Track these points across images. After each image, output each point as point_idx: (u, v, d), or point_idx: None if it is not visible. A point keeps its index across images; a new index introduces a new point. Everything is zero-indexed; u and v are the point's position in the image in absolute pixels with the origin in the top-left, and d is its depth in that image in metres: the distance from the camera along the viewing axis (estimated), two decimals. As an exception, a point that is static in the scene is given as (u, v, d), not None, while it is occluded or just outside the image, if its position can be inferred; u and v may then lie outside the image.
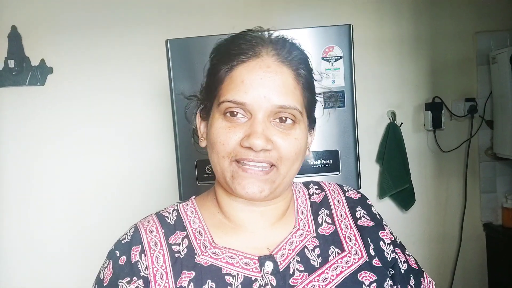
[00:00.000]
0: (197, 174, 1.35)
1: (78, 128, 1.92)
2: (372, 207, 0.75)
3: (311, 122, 0.69)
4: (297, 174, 0.72)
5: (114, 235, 0.70)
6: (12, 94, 1.93)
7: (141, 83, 1.91)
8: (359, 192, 0.77)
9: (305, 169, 1.31)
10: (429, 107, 1.92)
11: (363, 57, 1.81)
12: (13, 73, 1.90)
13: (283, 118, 0.62)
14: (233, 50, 0.63)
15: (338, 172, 1.34)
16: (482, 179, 1.97)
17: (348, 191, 0.76)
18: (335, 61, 1.31)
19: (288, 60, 0.63)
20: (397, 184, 1.86)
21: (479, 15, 1.93)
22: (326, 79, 1.32)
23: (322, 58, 1.31)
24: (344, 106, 1.32)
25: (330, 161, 1.32)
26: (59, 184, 1.94)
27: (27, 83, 1.91)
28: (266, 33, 0.65)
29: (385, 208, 1.89)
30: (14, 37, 1.90)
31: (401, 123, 1.90)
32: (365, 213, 0.73)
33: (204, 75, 0.69)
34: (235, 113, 0.61)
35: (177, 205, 0.71)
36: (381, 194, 1.91)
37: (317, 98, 0.70)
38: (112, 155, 1.93)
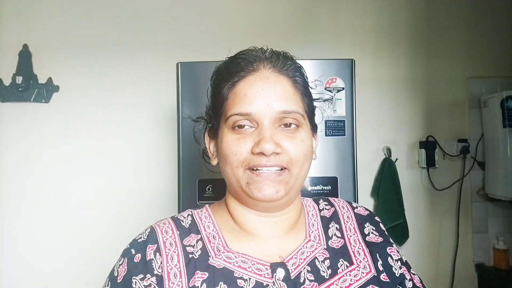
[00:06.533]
0: (198, 193, 1.36)
1: (80, 147, 1.94)
2: (380, 224, 0.77)
3: (313, 126, 0.73)
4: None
5: (115, 252, 0.69)
6: (16, 110, 1.95)
7: (146, 105, 1.95)
8: (367, 209, 0.79)
9: (303, 194, 1.32)
10: (423, 145, 1.98)
11: (362, 93, 1.88)
12: (20, 89, 1.93)
13: (288, 124, 0.66)
14: (233, 68, 0.68)
15: (336, 199, 1.36)
16: (474, 219, 2.00)
17: (357, 207, 0.78)
18: (337, 92, 1.37)
19: (284, 70, 0.68)
20: (391, 218, 1.88)
21: (471, 62, 2.04)
22: (328, 108, 1.37)
23: (326, 89, 1.37)
24: (345, 135, 1.37)
25: (329, 187, 1.35)
26: (60, 202, 1.93)
27: (32, 100, 1.95)
28: (259, 51, 0.70)
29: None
30: (25, 55, 1.96)
31: (396, 159, 1.96)
32: (374, 229, 0.75)
33: (208, 97, 0.74)
34: (243, 125, 0.65)
35: (191, 211, 0.73)
36: (375, 228, 1.91)
37: (315, 104, 0.74)
38: (115, 175, 1.94)
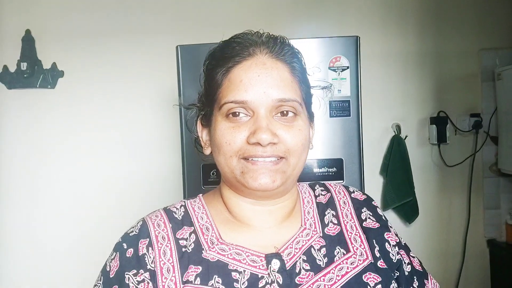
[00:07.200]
0: (202, 178, 1.36)
1: (87, 132, 1.95)
2: (377, 209, 0.75)
3: (310, 115, 0.70)
4: (301, 181, 0.74)
5: (118, 237, 0.69)
6: (23, 96, 1.96)
7: (150, 89, 1.94)
8: (364, 194, 0.77)
9: (309, 177, 1.31)
10: (434, 121, 1.93)
11: (369, 70, 1.83)
12: (25, 75, 1.93)
13: (285, 112, 0.63)
14: (227, 53, 0.65)
15: (342, 181, 1.35)
16: (486, 195, 1.97)
17: (353, 192, 0.76)
18: (341, 71, 1.33)
19: (281, 56, 0.65)
20: (401, 196, 1.86)
21: (484, 32, 1.96)
22: (326, 96, 1.34)
23: (329, 68, 1.33)
24: (350, 116, 1.34)
25: (334, 169, 1.33)
26: (65, 187, 1.96)
27: (38, 86, 1.95)
28: (255, 35, 0.67)
29: (389, 220, 1.89)
30: (28, 41, 1.95)
31: (406, 136, 1.92)
32: (371, 214, 0.73)
33: (200, 84, 0.71)
34: (237, 113, 0.62)
35: (184, 202, 0.71)
36: (385, 206, 1.90)
37: (312, 92, 0.71)
38: (119, 159, 1.95)
